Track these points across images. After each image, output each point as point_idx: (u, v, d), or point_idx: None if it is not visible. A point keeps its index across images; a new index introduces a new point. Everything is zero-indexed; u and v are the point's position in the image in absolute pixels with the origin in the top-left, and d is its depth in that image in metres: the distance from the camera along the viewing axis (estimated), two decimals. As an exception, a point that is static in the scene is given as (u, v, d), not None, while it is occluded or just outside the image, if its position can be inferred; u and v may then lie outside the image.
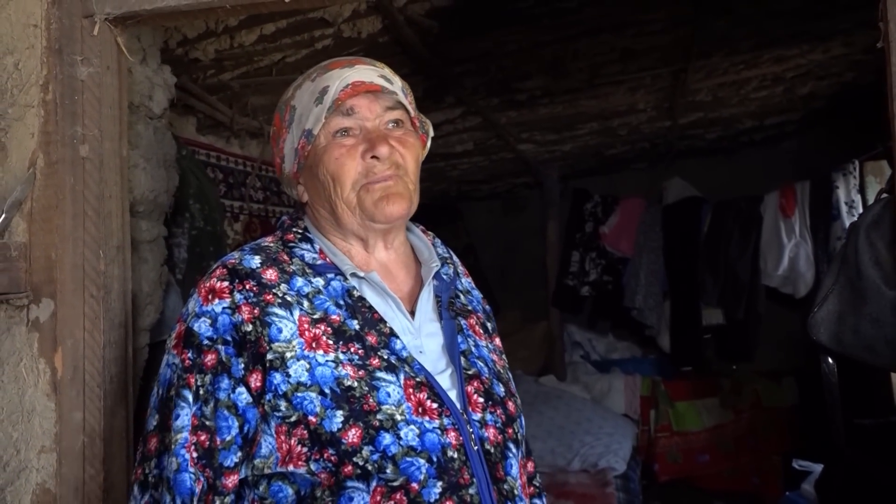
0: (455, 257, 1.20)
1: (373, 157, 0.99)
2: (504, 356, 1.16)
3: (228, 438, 0.91)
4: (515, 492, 0.99)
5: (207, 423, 0.91)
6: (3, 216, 1.13)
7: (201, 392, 0.92)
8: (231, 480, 0.91)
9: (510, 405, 1.04)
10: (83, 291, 1.17)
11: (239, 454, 0.91)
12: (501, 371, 1.09)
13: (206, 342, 0.92)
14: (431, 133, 1.13)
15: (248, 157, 2.88)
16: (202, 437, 0.91)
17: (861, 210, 3.56)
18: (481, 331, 1.12)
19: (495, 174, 4.70)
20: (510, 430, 1.02)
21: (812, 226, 3.75)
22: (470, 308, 1.14)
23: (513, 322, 5.17)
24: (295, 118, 1.04)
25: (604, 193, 4.69)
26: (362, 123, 1.01)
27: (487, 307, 1.21)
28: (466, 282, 1.19)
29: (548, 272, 4.77)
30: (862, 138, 3.68)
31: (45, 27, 1.17)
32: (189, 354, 0.93)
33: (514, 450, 1.01)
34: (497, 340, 1.17)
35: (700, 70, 2.98)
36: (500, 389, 1.05)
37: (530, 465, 1.21)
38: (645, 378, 4.50)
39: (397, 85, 1.05)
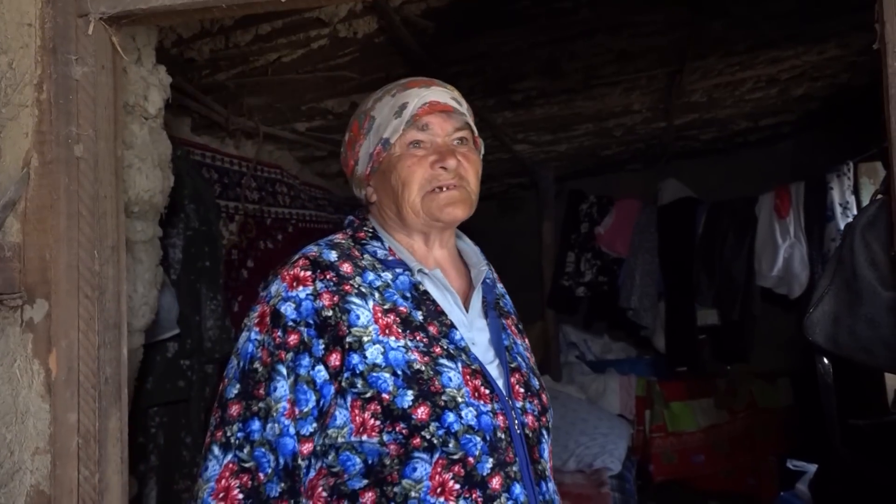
0: (490, 266, 1.31)
1: (441, 167, 1.12)
2: (533, 356, 1.29)
3: (306, 410, 1.01)
4: (546, 472, 1.13)
5: (290, 394, 1.02)
6: (-3, 216, 1.12)
7: (287, 364, 1.02)
8: (306, 447, 1.01)
9: (543, 397, 1.18)
10: (77, 292, 1.16)
11: (314, 424, 1.01)
12: (534, 367, 1.23)
13: (290, 323, 1.03)
14: (483, 152, 1.25)
15: (243, 157, 2.87)
16: (291, 405, 1.01)
17: (855, 211, 3.58)
18: (516, 331, 1.26)
19: (491, 175, 4.70)
20: (544, 419, 1.15)
21: (807, 227, 3.76)
22: (506, 310, 1.28)
23: (508, 323, 5.17)
24: (374, 127, 1.16)
25: (599, 194, 4.70)
26: (433, 139, 1.15)
27: (515, 310, 1.34)
28: (500, 286, 1.32)
29: (543, 273, 4.77)
30: (856, 140, 3.69)
31: (40, 26, 1.16)
32: (279, 333, 1.03)
33: (546, 436, 1.15)
34: (527, 341, 1.29)
35: (695, 71, 2.99)
36: (536, 383, 1.18)
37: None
38: (640, 378, 4.51)
39: (465, 107, 1.19)
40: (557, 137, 3.95)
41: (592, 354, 4.91)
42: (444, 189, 1.14)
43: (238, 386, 1.05)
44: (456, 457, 1.01)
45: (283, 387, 1.02)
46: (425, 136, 1.15)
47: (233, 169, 2.82)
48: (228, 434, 1.03)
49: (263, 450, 1.01)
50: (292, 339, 1.03)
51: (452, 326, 1.11)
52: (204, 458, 1.04)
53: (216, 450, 1.03)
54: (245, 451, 1.01)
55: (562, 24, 2.39)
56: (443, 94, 1.17)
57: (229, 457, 1.01)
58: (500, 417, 1.06)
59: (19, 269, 1.13)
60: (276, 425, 1.01)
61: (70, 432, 1.16)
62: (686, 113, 3.66)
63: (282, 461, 1.01)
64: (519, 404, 1.11)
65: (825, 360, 1.61)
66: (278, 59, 2.28)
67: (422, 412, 1.01)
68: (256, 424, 1.02)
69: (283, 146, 3.16)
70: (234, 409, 1.03)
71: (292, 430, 1.01)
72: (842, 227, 3.57)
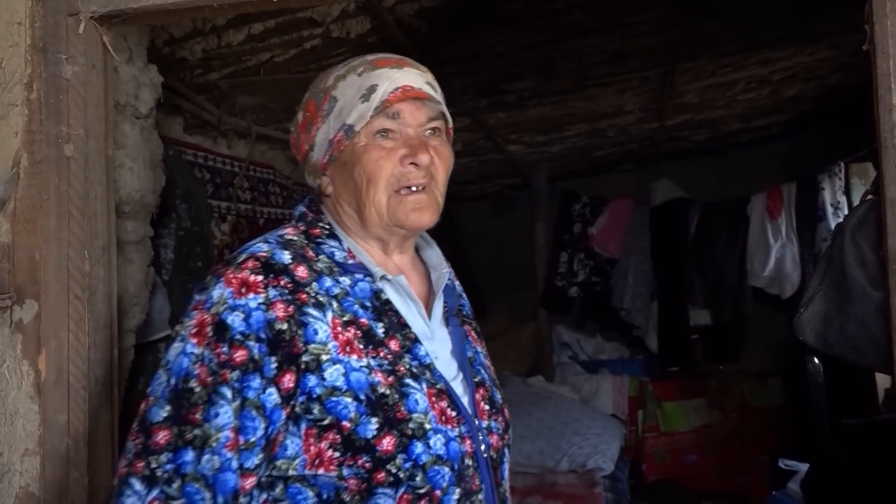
0: (448, 263, 1.19)
1: (411, 163, 1.00)
2: (491, 364, 1.17)
3: (252, 440, 0.88)
4: (506, 495, 1.05)
5: (235, 421, 0.88)
6: (-14, 216, 1.12)
7: (231, 386, 0.89)
8: (249, 482, 0.88)
9: (505, 412, 1.08)
10: (68, 293, 1.15)
11: (260, 456, 0.88)
12: (495, 377, 1.12)
13: (238, 337, 0.89)
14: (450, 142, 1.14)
15: (235, 157, 2.86)
16: (235, 433, 0.88)
17: (846, 211, 3.59)
18: (476, 337, 1.14)
19: (484, 175, 4.70)
20: (507, 437, 1.06)
21: (798, 227, 3.77)
22: (465, 314, 1.16)
23: (501, 323, 5.17)
24: (335, 109, 1.01)
25: (592, 195, 4.70)
26: (404, 129, 1.01)
27: (471, 310, 1.22)
28: (459, 287, 1.20)
29: (536, 273, 4.78)
30: (847, 140, 3.71)
31: (30, 25, 1.16)
32: (223, 349, 0.88)
33: (507, 455, 1.06)
34: (485, 346, 1.18)
35: (687, 72, 3.00)
36: (499, 396, 1.08)
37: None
38: (633, 378, 4.51)
39: (439, 93, 1.06)
40: (550, 138, 3.95)
41: (585, 354, 4.92)
42: (413, 190, 1.01)
43: (168, 408, 0.88)
44: (422, 491, 0.91)
45: (226, 413, 0.87)
46: (395, 125, 1.01)
47: (225, 169, 2.81)
48: (154, 465, 0.86)
49: (197, 486, 0.85)
50: (239, 355, 0.88)
51: (416, 340, 0.99)
52: (118, 494, 0.87)
53: (136, 484, 0.86)
54: (174, 486, 0.85)
55: (554, 25, 2.40)
56: (416, 77, 1.03)
57: (154, 493, 0.85)
58: (468, 442, 0.97)
59: (8, 270, 1.12)
60: (216, 458, 0.86)
61: (60, 434, 1.15)
62: (678, 114, 3.67)
63: (220, 500, 0.86)
64: (484, 424, 1.02)
65: (815, 360, 1.61)
66: (271, 58, 2.28)
67: (387, 443, 0.90)
68: (189, 455, 0.86)
69: (276, 146, 3.15)
70: (162, 436, 0.87)
71: (234, 465, 0.87)
72: (833, 227, 3.59)
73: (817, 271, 1.41)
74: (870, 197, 1.40)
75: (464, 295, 1.20)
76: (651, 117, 3.68)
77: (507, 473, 1.05)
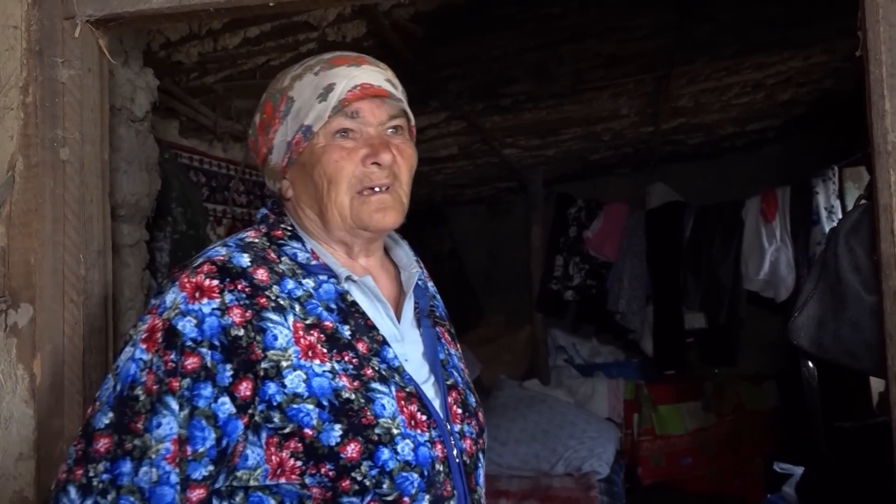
0: (420, 261, 1.17)
1: (374, 163, 0.97)
2: (465, 367, 1.15)
3: (201, 450, 0.85)
4: (482, 501, 1.02)
5: (180, 430, 0.85)
6: (-19, 220, 1.11)
7: (179, 395, 0.85)
8: (196, 494, 0.85)
9: (480, 416, 1.05)
10: (63, 296, 1.15)
11: (210, 468, 0.85)
12: (469, 381, 1.09)
13: (189, 344, 0.86)
14: (413, 140, 1.10)
15: (231, 160, 2.86)
16: (177, 446, 0.85)
17: (840, 215, 3.61)
18: (450, 339, 1.12)
19: (480, 179, 4.71)
20: (481, 441, 1.03)
21: (792, 231, 3.79)
22: (438, 315, 1.13)
23: (497, 326, 5.17)
24: (292, 110, 0.99)
25: (588, 198, 4.71)
26: (364, 128, 0.99)
27: (446, 311, 1.19)
28: (431, 287, 1.17)
29: (532, 276, 4.78)
30: (841, 144, 3.73)
31: (26, 28, 1.16)
32: (172, 356, 0.85)
33: (482, 460, 1.03)
34: (459, 349, 1.15)
35: (682, 76, 3.01)
36: (472, 400, 1.05)
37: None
38: (628, 382, 4.52)
39: (400, 90, 1.03)
40: (546, 142, 3.96)
41: (581, 358, 4.92)
42: (376, 191, 0.98)
43: (111, 415, 0.86)
44: (390, 498, 0.88)
45: (168, 424, 0.84)
46: (355, 124, 0.98)
47: (221, 172, 2.81)
48: (91, 474, 0.84)
49: (132, 499, 0.82)
50: (191, 363, 0.85)
51: (384, 343, 0.96)
52: (53, 500, 0.85)
53: (72, 492, 0.84)
54: (109, 497, 0.82)
55: (550, 29, 2.40)
56: (375, 74, 1.00)
57: (88, 503, 0.83)
58: (438, 447, 0.94)
59: (4, 274, 1.12)
60: (154, 470, 0.83)
61: (55, 438, 1.15)
62: (673, 117, 3.68)
63: None
64: (457, 428, 0.99)
65: (810, 364, 1.61)
66: (267, 62, 2.28)
67: (351, 450, 0.87)
68: (127, 466, 0.83)
69: (272, 149, 3.15)
70: (102, 444, 0.84)
71: (174, 479, 0.83)
72: (827, 231, 3.60)
73: (811, 275, 1.42)
74: (863, 202, 1.40)
75: (437, 296, 1.18)
76: (646, 121, 3.69)
77: (482, 479, 1.02)
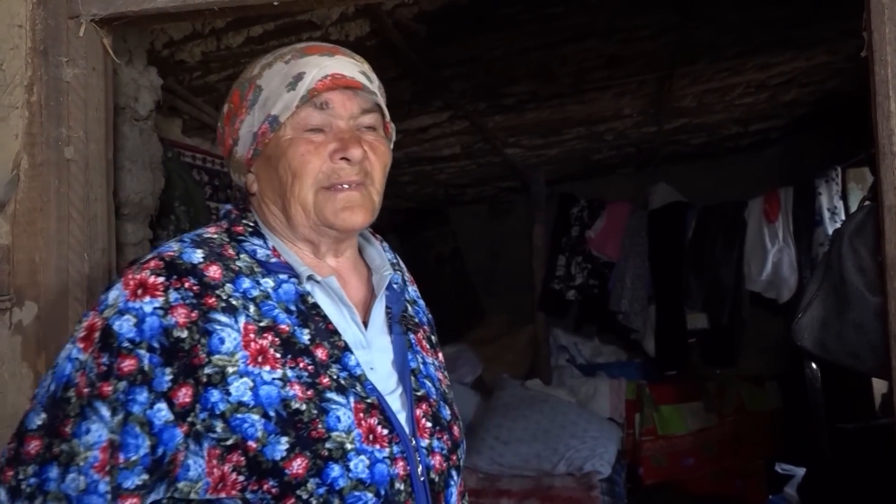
0: (402, 263, 1.12)
1: (343, 158, 0.91)
2: (447, 373, 1.09)
3: (133, 458, 0.79)
4: None
5: (112, 436, 0.79)
6: (-14, 218, 1.12)
7: (112, 399, 0.80)
8: (129, 503, 0.80)
9: (455, 430, 0.98)
10: (67, 295, 1.15)
11: (143, 476, 0.79)
12: (447, 391, 1.03)
13: (125, 345, 0.80)
14: (394, 139, 1.04)
15: (234, 159, 2.86)
16: (107, 454, 0.79)
17: (843, 216, 3.61)
18: (427, 346, 1.05)
19: (482, 178, 4.71)
20: (454, 457, 0.96)
21: (795, 231, 3.78)
22: (417, 320, 1.06)
23: (499, 326, 5.17)
24: (259, 100, 0.93)
25: (590, 198, 4.71)
26: (334, 121, 0.92)
27: (430, 316, 1.14)
28: (413, 290, 1.11)
29: (534, 276, 4.78)
30: (845, 145, 3.73)
31: (30, 28, 1.16)
32: (104, 359, 0.80)
33: (455, 478, 0.96)
34: (440, 356, 1.09)
35: (685, 76, 3.01)
36: (447, 412, 0.99)
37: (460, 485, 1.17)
38: (630, 382, 4.52)
39: (375, 84, 0.97)
40: (548, 141, 3.96)
41: (583, 358, 4.92)
42: (344, 188, 0.92)
43: (43, 416, 0.81)
44: None
45: (97, 431, 0.79)
46: (324, 117, 0.92)
47: (224, 171, 2.81)
48: (20, 476, 0.80)
49: None
50: (127, 365, 0.80)
51: (346, 349, 0.90)
52: None
53: (2, 493, 0.81)
54: (37, 502, 0.79)
55: (552, 29, 2.41)
56: (349, 65, 0.93)
57: None
58: (400, 464, 0.87)
59: (8, 272, 1.13)
60: (81, 478, 0.78)
61: (59, 436, 1.15)
62: (676, 118, 3.68)
63: None
64: (424, 443, 0.92)
65: (813, 365, 1.61)
66: (270, 61, 2.28)
67: (297, 465, 0.80)
68: (54, 472, 0.79)
69: (275, 148, 3.15)
70: (33, 446, 0.80)
71: (103, 487, 0.78)
72: (830, 231, 3.60)
73: (815, 276, 1.41)
74: (867, 203, 1.40)
75: (419, 300, 1.12)
76: (649, 121, 3.69)
77: (454, 498, 0.95)
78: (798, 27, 2.64)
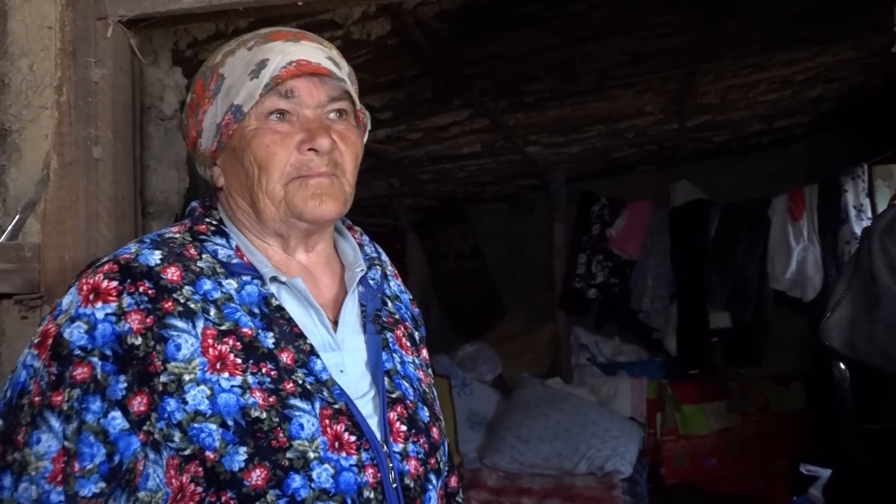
0: (384, 256, 1.08)
1: (310, 149, 0.88)
2: (430, 370, 1.06)
3: (89, 466, 0.77)
4: None
5: (67, 444, 0.77)
6: (18, 217, 1.14)
7: (65, 408, 0.77)
8: None
9: (434, 431, 0.95)
10: (96, 293, 1.17)
11: (101, 485, 0.77)
12: (427, 391, 0.99)
13: (77, 353, 0.78)
14: (369, 127, 1.00)
15: (256, 158, 2.88)
16: (61, 464, 0.77)
17: (870, 214, 3.55)
18: (408, 343, 1.02)
19: (502, 176, 4.70)
20: (432, 461, 0.92)
21: (820, 229, 3.74)
22: (397, 317, 1.03)
23: (519, 324, 5.17)
24: (222, 89, 0.90)
25: (611, 196, 4.69)
26: (301, 110, 0.89)
27: (416, 311, 1.11)
28: (396, 285, 1.08)
29: (554, 274, 4.77)
30: (870, 141, 3.67)
31: (60, 29, 1.18)
32: (55, 368, 0.78)
33: (434, 481, 0.92)
34: (424, 353, 1.06)
35: (709, 73, 2.98)
36: (425, 414, 0.95)
37: (454, 481, 1.12)
38: (651, 381, 4.49)
39: (345, 71, 0.93)
40: (569, 139, 3.94)
41: (603, 357, 4.90)
42: (313, 177, 0.88)
43: (0, 422, 0.80)
44: None
45: (48, 441, 0.77)
46: (290, 105, 0.88)
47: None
48: None
49: None
50: (80, 373, 0.77)
51: (312, 353, 0.86)
52: None
53: None
54: None
55: (575, 26, 2.39)
56: (315, 51, 0.90)
57: None
58: (370, 471, 0.84)
59: (38, 270, 1.14)
60: (33, 488, 0.76)
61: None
62: (699, 115, 3.65)
63: None
64: (398, 448, 0.88)
65: (841, 366, 1.59)
66: (292, 60, 2.29)
67: (257, 476, 0.78)
68: (8, 480, 0.77)
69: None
70: None
71: (55, 498, 0.76)
72: (856, 229, 3.55)
73: (844, 275, 1.39)
74: (897, 200, 1.38)
75: (402, 295, 1.08)
76: (671, 118, 3.66)
77: (434, 502, 0.92)
78: (824, 22, 2.60)
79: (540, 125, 3.57)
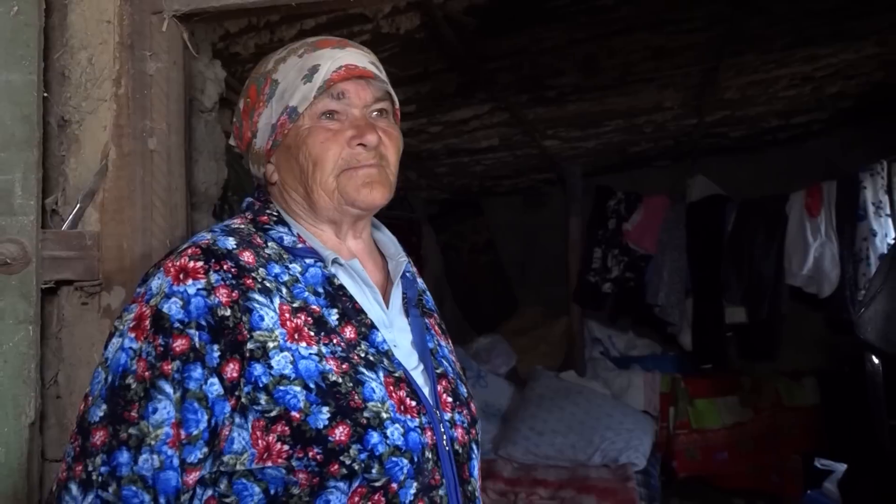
0: (408, 256, 1.16)
1: (360, 144, 0.96)
2: (457, 360, 1.14)
3: (195, 433, 0.82)
4: (476, 493, 0.99)
5: (177, 414, 0.82)
6: (78, 206, 1.17)
7: (175, 377, 0.83)
8: (192, 477, 0.83)
9: (472, 406, 1.04)
10: (150, 280, 1.19)
11: (204, 450, 0.83)
12: (461, 373, 1.08)
13: (176, 325, 0.84)
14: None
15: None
16: (178, 429, 0.82)
17: (889, 210, 3.56)
18: (440, 331, 1.11)
19: (518, 170, 4.72)
20: (473, 431, 1.01)
21: (838, 226, 3.74)
22: (429, 308, 1.12)
23: (533, 317, 5.19)
24: (277, 93, 0.98)
25: (627, 191, 4.70)
26: (350, 109, 0.98)
27: (436, 307, 1.20)
28: (421, 282, 1.16)
29: (569, 268, 4.78)
30: (890, 138, 3.67)
31: (118, 23, 1.20)
32: (160, 340, 0.83)
33: (476, 451, 1.01)
34: (451, 343, 1.15)
35: (731, 68, 2.99)
36: (464, 390, 1.04)
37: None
38: (664, 375, 4.51)
39: (384, 74, 1.03)
40: (586, 133, 3.96)
41: (616, 350, 4.92)
42: (362, 168, 0.97)
43: (104, 407, 0.84)
44: (378, 484, 0.85)
45: (165, 408, 0.82)
46: (340, 105, 0.97)
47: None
48: (90, 468, 0.82)
49: (135, 488, 0.80)
50: (179, 344, 0.83)
51: (373, 327, 0.95)
52: (56, 500, 0.83)
53: (74, 489, 0.82)
54: (111, 489, 0.80)
55: (602, 21, 2.41)
56: (359, 56, 0.99)
57: (90, 498, 0.81)
58: (429, 433, 0.91)
59: (97, 258, 1.17)
60: (156, 456, 0.81)
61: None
62: (718, 110, 3.66)
63: (162, 501, 0.81)
64: (447, 416, 0.96)
65: (874, 359, 1.60)
66: (322, 54, 2.31)
67: (340, 433, 0.84)
68: (125, 456, 0.81)
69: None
70: (99, 437, 0.82)
71: (177, 462, 0.81)
72: (874, 226, 3.56)
73: (879, 271, 1.42)
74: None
75: (427, 292, 1.17)
76: (690, 113, 3.66)
77: (476, 471, 1.00)
78: (849, 18, 2.61)
79: (559, 119, 3.59)
